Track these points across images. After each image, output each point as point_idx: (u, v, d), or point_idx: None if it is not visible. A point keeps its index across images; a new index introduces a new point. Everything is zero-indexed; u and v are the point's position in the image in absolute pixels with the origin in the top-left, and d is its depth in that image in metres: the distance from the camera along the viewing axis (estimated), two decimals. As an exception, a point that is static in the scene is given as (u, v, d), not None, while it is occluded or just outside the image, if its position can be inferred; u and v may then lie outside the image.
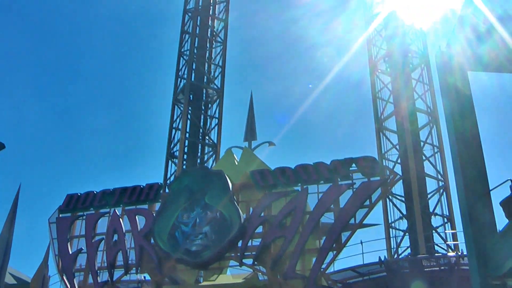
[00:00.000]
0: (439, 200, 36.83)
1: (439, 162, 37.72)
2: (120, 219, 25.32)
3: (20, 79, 78.63)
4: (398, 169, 36.90)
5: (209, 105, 44.87)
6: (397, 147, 38.67)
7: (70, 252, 25.41)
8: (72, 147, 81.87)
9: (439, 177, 37.41)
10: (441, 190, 37.07)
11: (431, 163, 37.98)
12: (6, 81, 77.70)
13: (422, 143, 38.51)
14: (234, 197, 24.08)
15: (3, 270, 25.24)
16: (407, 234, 36.42)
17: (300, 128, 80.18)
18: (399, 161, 38.13)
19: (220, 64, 45.71)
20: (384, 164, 36.52)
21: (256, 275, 25.14)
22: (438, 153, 37.92)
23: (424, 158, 38.15)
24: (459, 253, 31.26)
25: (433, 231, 36.07)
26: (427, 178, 37.60)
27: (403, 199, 37.23)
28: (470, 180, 15.39)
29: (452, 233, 35.46)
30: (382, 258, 31.95)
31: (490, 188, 15.19)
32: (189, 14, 46.53)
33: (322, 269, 22.05)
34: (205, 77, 45.11)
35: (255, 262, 22.86)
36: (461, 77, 16.72)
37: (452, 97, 16.69)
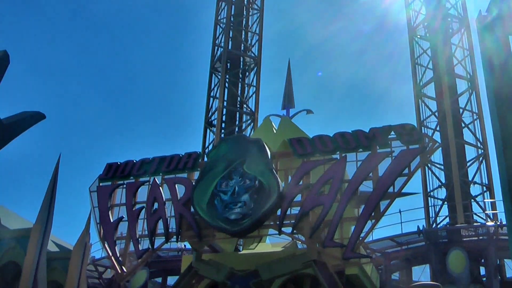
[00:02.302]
0: (478, 168, 36.46)
1: (479, 129, 37.26)
2: (160, 188, 25.42)
3: (62, 49, 79.55)
4: (437, 136, 36.59)
5: (247, 73, 44.89)
6: (436, 114, 38.28)
7: (111, 220, 25.60)
8: (111, 117, 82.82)
9: (479, 144, 36.98)
10: (481, 158, 36.67)
11: (470, 130, 37.55)
12: (49, 50, 78.64)
13: (461, 110, 38.07)
14: (273, 165, 23.98)
15: (45, 237, 25.79)
16: (445, 203, 36.20)
17: (338, 96, 79.90)
18: (438, 128, 37.77)
19: (257, 31, 45.57)
20: (423, 131, 36.17)
21: (295, 243, 25.21)
22: (478, 120, 37.44)
23: (463, 125, 37.73)
24: (498, 223, 31.03)
25: (472, 200, 35.79)
26: (466, 145, 37.23)
27: (442, 167, 36.94)
28: (510, 147, 15.15)
29: (491, 202, 35.14)
30: (421, 228, 31.93)
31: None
32: (225, -18, 46.37)
33: (360, 238, 21.95)
34: (242, 45, 45.04)
35: (294, 231, 22.80)
36: (503, 42, 16.39)
37: (492, 62, 16.39)
